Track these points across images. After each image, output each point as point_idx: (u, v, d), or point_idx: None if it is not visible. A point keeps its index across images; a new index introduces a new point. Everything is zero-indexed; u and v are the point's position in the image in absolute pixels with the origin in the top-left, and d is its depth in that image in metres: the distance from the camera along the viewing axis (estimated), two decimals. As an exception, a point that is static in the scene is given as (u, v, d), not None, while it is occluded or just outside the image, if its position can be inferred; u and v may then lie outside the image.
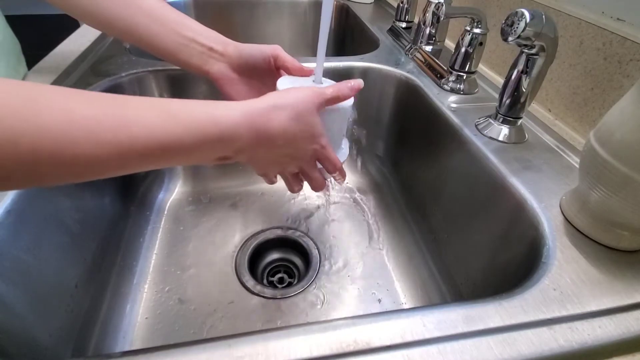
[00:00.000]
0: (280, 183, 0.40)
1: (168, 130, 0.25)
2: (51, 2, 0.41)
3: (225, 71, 0.41)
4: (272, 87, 0.37)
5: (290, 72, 0.41)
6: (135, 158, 0.24)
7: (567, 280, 0.30)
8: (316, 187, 0.38)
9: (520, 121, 0.45)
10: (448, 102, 0.52)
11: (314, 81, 0.39)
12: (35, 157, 0.21)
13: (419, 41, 0.64)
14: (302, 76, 0.40)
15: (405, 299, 0.51)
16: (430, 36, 0.64)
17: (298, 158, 0.34)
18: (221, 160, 0.30)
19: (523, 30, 0.36)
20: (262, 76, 0.42)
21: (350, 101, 0.37)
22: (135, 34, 0.40)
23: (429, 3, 0.61)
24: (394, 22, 0.76)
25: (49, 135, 0.21)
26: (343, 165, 0.38)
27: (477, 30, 0.50)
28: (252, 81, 0.42)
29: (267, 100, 0.31)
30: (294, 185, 0.39)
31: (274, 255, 0.58)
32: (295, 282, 0.54)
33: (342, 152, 0.40)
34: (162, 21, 0.40)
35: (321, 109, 0.33)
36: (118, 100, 0.25)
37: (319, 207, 0.64)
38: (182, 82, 0.57)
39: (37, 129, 0.20)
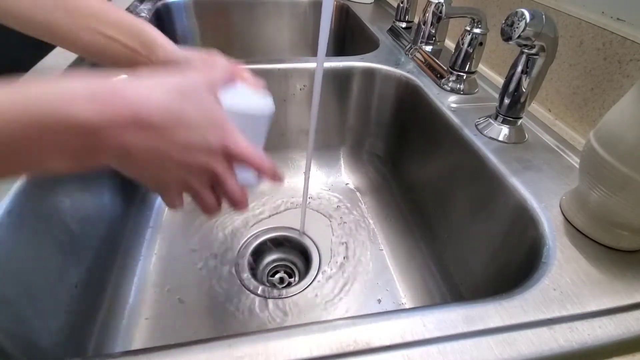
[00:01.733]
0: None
1: None
2: None
3: None
4: None
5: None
6: None
7: (567, 280, 0.30)
8: (237, 203, 0.29)
9: (520, 121, 0.45)
10: (448, 102, 0.52)
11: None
12: None
13: (419, 41, 0.64)
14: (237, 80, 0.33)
15: (405, 299, 0.51)
16: (430, 36, 0.64)
17: (202, 152, 0.25)
18: (80, 165, 0.22)
19: (523, 30, 0.36)
20: None
21: (268, 107, 0.31)
22: (54, 32, 0.34)
23: (429, 3, 0.61)
24: (394, 22, 0.76)
25: None
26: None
27: (477, 30, 0.50)
28: None
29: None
30: (209, 204, 0.28)
31: (274, 255, 0.58)
32: (295, 282, 0.54)
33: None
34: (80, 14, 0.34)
35: (215, 91, 0.27)
36: None
37: (319, 206, 0.64)
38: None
39: None
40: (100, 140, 0.21)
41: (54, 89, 0.20)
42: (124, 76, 0.24)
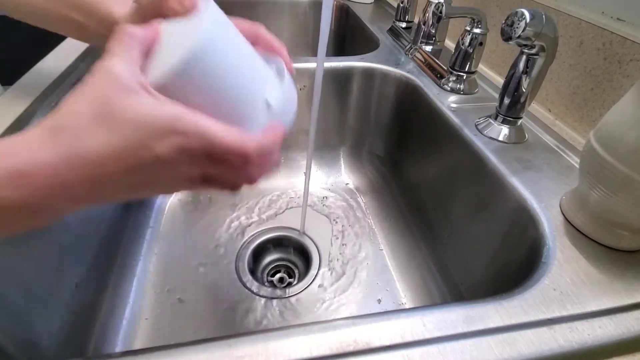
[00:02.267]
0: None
1: None
2: None
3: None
4: None
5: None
6: None
7: (567, 280, 0.30)
8: (232, 186, 0.24)
9: (520, 121, 0.45)
10: (448, 102, 0.52)
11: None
12: None
13: (419, 41, 0.64)
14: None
15: (405, 299, 0.51)
16: (430, 36, 0.64)
17: (171, 171, 0.21)
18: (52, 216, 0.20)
19: (523, 30, 0.36)
20: None
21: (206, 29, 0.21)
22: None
23: (429, 3, 0.61)
24: (394, 22, 0.76)
25: None
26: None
27: (477, 30, 0.50)
28: None
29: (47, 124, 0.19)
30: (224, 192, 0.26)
31: (275, 255, 0.58)
32: (295, 282, 0.54)
33: (257, 120, 0.23)
34: None
35: (137, 80, 0.19)
36: None
37: (319, 206, 0.64)
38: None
39: None
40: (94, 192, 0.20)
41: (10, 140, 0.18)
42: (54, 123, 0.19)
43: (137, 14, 0.29)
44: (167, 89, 0.20)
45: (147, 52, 0.22)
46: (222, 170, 0.22)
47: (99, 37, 0.33)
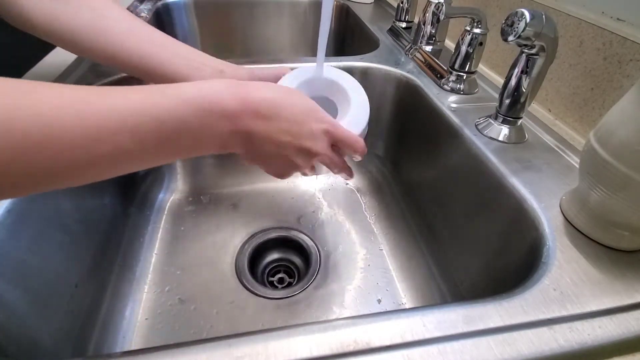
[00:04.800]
0: (282, 182, 0.40)
1: (155, 103, 0.25)
2: (48, 39, 0.39)
3: None
4: None
5: None
6: (128, 142, 0.24)
7: (567, 280, 0.30)
8: (342, 172, 0.38)
9: (520, 121, 0.45)
10: (448, 102, 0.52)
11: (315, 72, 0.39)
12: (26, 144, 0.20)
13: (419, 41, 0.64)
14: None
15: (405, 299, 0.51)
16: (430, 36, 0.64)
17: (304, 138, 0.32)
18: (222, 147, 0.30)
19: (523, 30, 0.36)
20: None
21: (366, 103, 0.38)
22: (144, 63, 0.40)
23: (429, 3, 0.61)
24: (394, 22, 0.76)
25: (40, 121, 0.20)
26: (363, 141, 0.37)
27: (477, 30, 0.50)
28: None
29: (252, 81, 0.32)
30: (308, 174, 0.39)
31: (274, 255, 0.58)
32: (295, 282, 0.54)
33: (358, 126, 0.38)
34: (173, 51, 0.40)
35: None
36: (105, 88, 0.25)
37: (319, 207, 0.64)
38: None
39: (31, 115, 0.20)
40: (238, 124, 0.29)
41: (206, 88, 0.28)
42: (249, 82, 0.31)
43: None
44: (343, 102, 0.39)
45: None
46: (334, 154, 0.36)
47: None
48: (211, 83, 0.29)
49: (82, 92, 0.23)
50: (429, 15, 0.62)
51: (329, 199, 0.66)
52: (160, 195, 0.63)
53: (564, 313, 0.27)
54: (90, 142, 0.23)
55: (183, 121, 0.26)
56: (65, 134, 0.21)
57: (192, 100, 0.27)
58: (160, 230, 0.59)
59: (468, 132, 0.46)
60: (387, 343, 0.25)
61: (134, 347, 0.45)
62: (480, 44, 0.51)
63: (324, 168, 0.38)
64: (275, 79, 0.40)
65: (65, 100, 0.22)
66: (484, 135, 0.45)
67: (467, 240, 0.46)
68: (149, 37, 0.40)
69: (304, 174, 0.38)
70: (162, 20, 0.87)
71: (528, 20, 0.36)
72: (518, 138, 0.45)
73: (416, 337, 0.25)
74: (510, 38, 0.37)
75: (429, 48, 0.64)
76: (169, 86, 0.27)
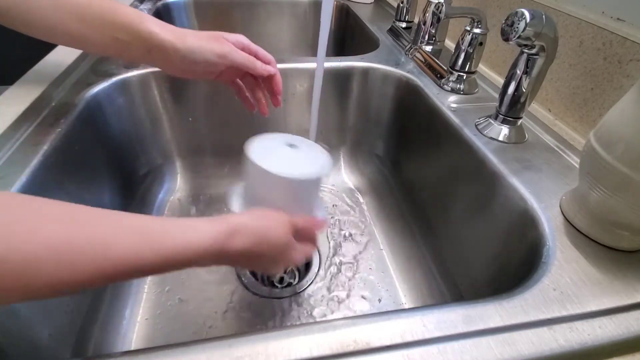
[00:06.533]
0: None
1: (141, 254, 0.25)
2: None
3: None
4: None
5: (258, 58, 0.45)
6: (104, 278, 0.24)
7: (567, 280, 0.30)
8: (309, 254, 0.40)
9: (520, 121, 0.45)
10: (448, 102, 0.52)
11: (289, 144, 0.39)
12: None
13: (419, 41, 0.64)
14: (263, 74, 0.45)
15: (405, 299, 0.51)
16: (430, 36, 0.64)
17: (286, 261, 0.36)
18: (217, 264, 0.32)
19: (523, 30, 0.36)
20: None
21: (326, 167, 0.37)
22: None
23: (429, 3, 0.61)
24: (394, 22, 0.76)
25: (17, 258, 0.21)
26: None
27: (477, 30, 0.50)
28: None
29: (234, 221, 0.31)
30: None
31: (274, 255, 0.58)
32: (295, 282, 0.54)
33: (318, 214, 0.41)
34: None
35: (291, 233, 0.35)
36: (95, 217, 0.25)
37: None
38: (183, 82, 0.57)
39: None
40: (231, 257, 0.31)
41: (192, 239, 0.28)
42: (235, 222, 0.31)
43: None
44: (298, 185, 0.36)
45: None
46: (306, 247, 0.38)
47: (141, 55, 0.42)
48: (199, 239, 0.29)
49: (64, 234, 0.24)
50: (429, 15, 0.62)
51: (329, 199, 0.66)
52: (160, 195, 0.63)
53: (564, 313, 0.27)
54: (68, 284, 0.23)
55: (161, 269, 0.27)
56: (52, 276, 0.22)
57: (177, 257, 0.27)
58: (160, 230, 0.59)
59: (468, 132, 0.46)
60: (387, 343, 0.25)
61: (134, 347, 0.45)
62: (480, 44, 0.51)
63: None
64: (237, 43, 0.42)
65: (51, 242, 0.23)
66: (484, 135, 0.45)
67: (467, 240, 0.46)
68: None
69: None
70: (162, 20, 0.87)
71: (528, 20, 0.36)
72: (518, 138, 0.45)
73: (416, 337, 0.25)
74: (510, 38, 0.37)
75: (429, 48, 0.64)
76: (155, 231, 0.27)
